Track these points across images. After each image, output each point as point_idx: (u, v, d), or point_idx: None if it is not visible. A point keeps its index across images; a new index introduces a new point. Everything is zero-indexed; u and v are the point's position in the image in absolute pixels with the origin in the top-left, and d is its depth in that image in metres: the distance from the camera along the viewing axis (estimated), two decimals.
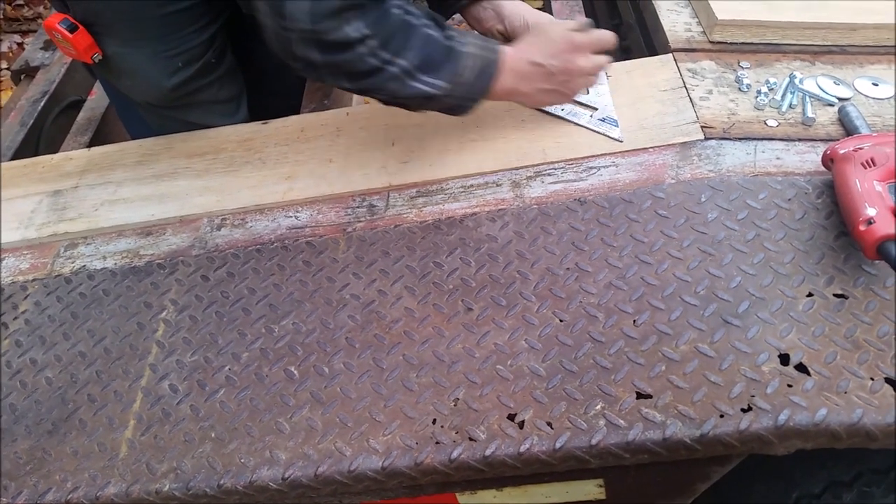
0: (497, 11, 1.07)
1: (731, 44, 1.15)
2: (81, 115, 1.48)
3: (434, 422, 0.78)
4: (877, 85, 1.08)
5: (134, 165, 1.19)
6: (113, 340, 0.96)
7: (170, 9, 1.05)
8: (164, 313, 0.97)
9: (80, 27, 1.05)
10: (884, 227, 0.78)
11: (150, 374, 0.91)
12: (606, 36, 1.00)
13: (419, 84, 0.88)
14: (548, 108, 1.08)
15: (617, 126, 1.04)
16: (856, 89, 1.07)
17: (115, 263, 1.06)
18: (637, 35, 1.40)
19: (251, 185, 1.10)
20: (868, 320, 0.79)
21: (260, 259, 0.99)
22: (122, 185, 1.16)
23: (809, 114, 1.02)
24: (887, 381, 0.74)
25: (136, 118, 1.29)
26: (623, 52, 1.49)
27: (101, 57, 1.10)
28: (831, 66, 1.12)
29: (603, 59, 1.00)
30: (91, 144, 1.42)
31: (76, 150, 1.30)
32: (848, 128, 1.00)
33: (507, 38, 1.06)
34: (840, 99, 1.06)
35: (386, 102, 0.96)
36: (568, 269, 0.89)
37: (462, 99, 0.94)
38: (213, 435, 0.83)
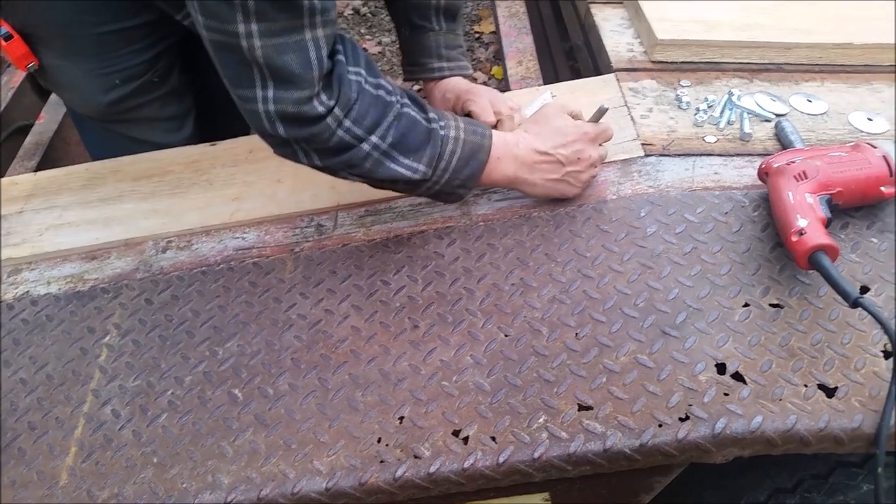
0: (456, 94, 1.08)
1: (671, 63, 1.18)
2: (29, 140, 1.46)
3: (379, 440, 0.78)
4: (811, 101, 1.12)
5: (80, 189, 1.18)
6: (55, 366, 0.94)
7: (108, 28, 1.05)
8: (108, 338, 0.95)
9: (16, 36, 1.04)
10: (814, 238, 0.80)
11: (92, 400, 0.89)
12: (609, 129, 0.97)
13: (396, 166, 0.85)
14: None
15: None
16: (791, 105, 1.11)
17: (59, 288, 1.04)
18: (585, 56, 1.43)
19: (198, 206, 1.09)
20: (802, 328, 0.81)
21: (205, 281, 0.99)
22: (68, 209, 1.15)
23: (747, 129, 1.05)
24: (820, 387, 0.76)
25: (88, 127, 1.28)
26: (572, 73, 1.53)
27: (36, 67, 1.09)
28: (768, 83, 1.15)
29: (604, 150, 0.96)
30: (38, 169, 1.40)
31: (22, 174, 1.28)
32: (783, 142, 1.03)
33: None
34: (776, 115, 1.09)
35: (372, 185, 0.93)
36: (513, 284, 0.90)
37: (449, 186, 0.89)
38: (154, 460, 0.82)
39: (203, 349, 0.91)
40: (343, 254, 0.98)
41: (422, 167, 0.86)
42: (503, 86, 1.39)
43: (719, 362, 0.78)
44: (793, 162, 0.91)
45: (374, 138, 0.82)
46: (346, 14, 3.03)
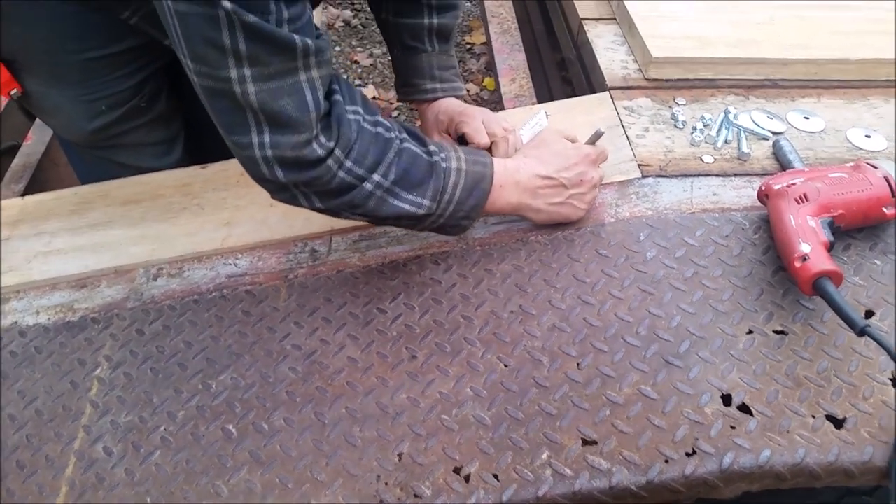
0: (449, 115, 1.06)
1: (666, 80, 1.17)
2: (16, 162, 1.43)
3: (378, 478, 0.76)
4: (808, 118, 1.11)
5: (69, 215, 1.16)
6: (45, 401, 0.91)
7: (92, 54, 1.03)
8: (99, 370, 0.93)
9: None
10: (818, 264, 0.79)
11: (83, 437, 0.87)
12: (606, 150, 0.96)
13: (401, 202, 0.83)
14: None
15: None
16: (789, 122, 1.10)
17: (49, 319, 1.02)
18: (578, 70, 1.42)
19: (189, 232, 1.07)
20: (808, 356, 0.80)
21: (197, 310, 0.97)
22: (57, 236, 1.12)
23: (744, 149, 1.04)
24: (828, 417, 0.75)
25: (75, 152, 1.26)
26: (565, 86, 1.51)
27: (20, 93, 1.07)
28: (765, 99, 1.14)
29: (602, 171, 0.96)
30: (27, 191, 1.38)
31: (9, 199, 1.26)
32: (782, 162, 1.02)
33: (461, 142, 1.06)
34: (774, 133, 1.08)
35: (375, 223, 0.91)
36: (512, 311, 0.89)
37: (454, 218, 0.87)
38: (148, 500, 0.79)
39: (196, 382, 0.89)
40: (338, 280, 0.96)
41: (426, 202, 0.84)
42: (497, 102, 1.37)
43: (725, 393, 0.77)
44: (793, 184, 0.89)
45: (376, 177, 0.81)
46: (336, 26, 3.02)
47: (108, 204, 1.16)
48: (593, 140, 0.94)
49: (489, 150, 1.05)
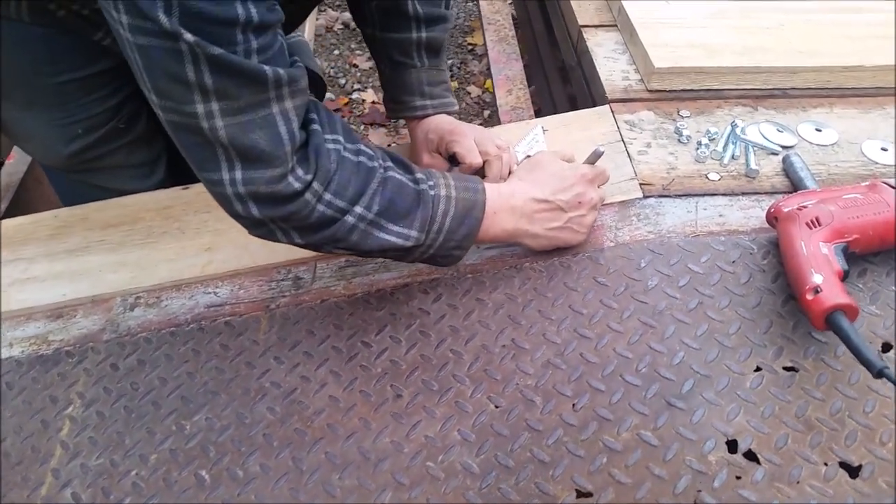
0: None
1: (670, 91, 1.11)
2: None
3: None
4: (820, 130, 1.05)
5: (47, 239, 1.11)
6: (14, 442, 0.87)
7: (64, 78, 0.98)
8: (71, 408, 0.89)
9: None
10: (832, 297, 0.73)
11: (51, 481, 0.82)
12: (606, 171, 0.91)
13: (386, 234, 0.78)
14: None
15: None
16: (800, 135, 1.04)
17: (23, 351, 0.97)
18: (579, 76, 1.36)
19: (169, 258, 1.03)
20: (820, 396, 0.74)
21: (174, 343, 0.92)
22: (34, 262, 1.08)
23: (753, 165, 0.98)
24: (842, 465, 0.69)
25: (54, 175, 1.22)
26: (567, 94, 1.46)
27: None
28: (774, 110, 1.08)
29: (603, 192, 0.90)
30: (8, 212, 1.34)
31: None
32: (793, 179, 0.96)
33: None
34: (784, 147, 1.02)
35: (362, 256, 0.87)
36: (504, 346, 0.83)
37: (444, 248, 0.82)
38: None
39: (169, 423, 0.84)
40: (322, 311, 0.91)
41: (413, 233, 0.79)
42: (493, 115, 1.31)
43: (730, 439, 0.71)
44: (804, 206, 0.84)
45: (358, 209, 0.76)
46: (335, 28, 2.97)
47: (88, 228, 1.11)
48: (592, 160, 0.88)
49: (482, 169, 1.00)
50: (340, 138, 0.76)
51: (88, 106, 1.02)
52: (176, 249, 1.04)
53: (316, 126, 0.74)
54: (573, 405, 0.77)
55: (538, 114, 1.27)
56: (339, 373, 0.84)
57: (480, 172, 1.01)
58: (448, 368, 0.82)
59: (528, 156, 1.05)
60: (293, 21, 1.10)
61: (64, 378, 0.92)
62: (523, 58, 1.44)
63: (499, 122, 1.19)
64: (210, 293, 0.98)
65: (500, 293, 0.88)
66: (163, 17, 0.60)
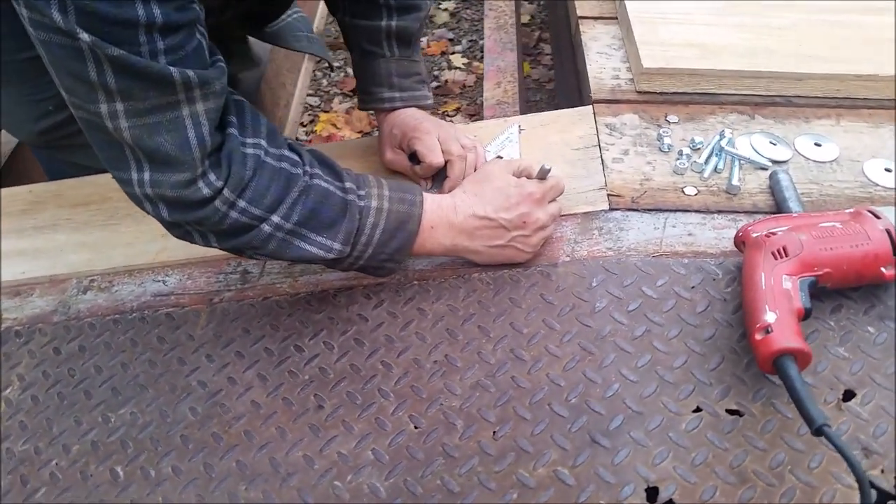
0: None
1: (660, 94, 1.04)
2: None
3: None
4: (819, 145, 0.96)
5: (19, 214, 1.11)
6: None
7: (30, 53, 0.96)
8: (9, 390, 0.88)
9: None
10: (781, 340, 0.66)
11: None
12: (560, 183, 0.85)
13: (307, 245, 0.75)
14: None
15: None
16: (796, 149, 0.96)
17: None
18: (572, 72, 1.29)
19: (126, 241, 1.01)
20: (762, 445, 0.68)
21: (115, 331, 0.91)
22: (3, 237, 1.08)
23: (734, 181, 0.90)
24: None
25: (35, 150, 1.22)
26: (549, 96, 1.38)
27: None
28: (773, 119, 1.00)
29: (556, 207, 0.84)
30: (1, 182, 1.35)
31: None
32: (777, 199, 0.88)
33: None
34: (775, 162, 0.94)
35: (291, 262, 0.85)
36: (436, 361, 0.79)
37: (375, 260, 0.79)
38: None
39: (97, 414, 0.83)
40: (262, 309, 0.89)
41: (337, 245, 0.75)
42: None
43: (651, 486, 0.66)
44: (773, 233, 0.76)
45: (275, 218, 0.72)
46: None
47: (60, 205, 1.11)
48: (541, 176, 0.82)
49: (444, 170, 0.95)
50: (262, 142, 0.73)
51: None
52: (135, 233, 1.02)
53: (233, 130, 0.70)
54: (494, 433, 0.72)
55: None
56: (266, 377, 0.82)
57: (446, 172, 0.96)
58: (375, 381, 0.79)
59: (499, 156, 0.99)
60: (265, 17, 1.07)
61: (9, 358, 0.92)
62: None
63: (513, 115, 1.12)
64: (159, 281, 0.96)
65: (443, 304, 0.84)
66: (57, 16, 0.58)
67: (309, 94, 2.46)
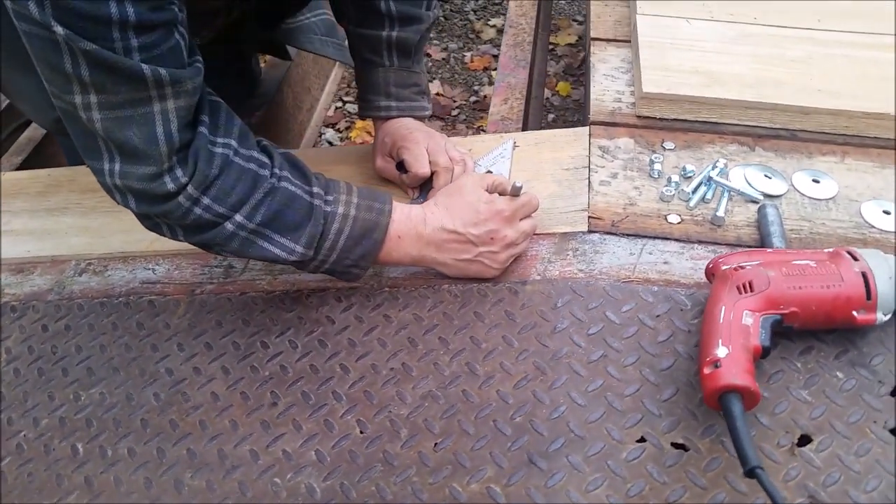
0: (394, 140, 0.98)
1: (660, 119, 1.02)
2: (24, 134, 1.47)
3: None
4: (818, 181, 0.93)
5: (35, 196, 1.17)
6: None
7: None
8: None
9: None
10: (728, 376, 0.65)
11: None
12: (533, 201, 0.85)
13: (270, 245, 0.76)
14: None
15: None
16: (792, 185, 0.93)
17: None
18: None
19: (125, 228, 1.05)
20: (703, 484, 0.66)
21: (100, 314, 0.94)
22: (17, 216, 1.13)
23: (720, 212, 0.88)
24: None
25: None
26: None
27: None
28: (774, 153, 0.97)
29: (529, 224, 0.84)
30: (24, 165, 1.41)
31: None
32: (761, 233, 0.86)
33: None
34: (767, 196, 0.91)
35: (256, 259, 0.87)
36: (392, 369, 0.79)
37: (339, 265, 0.80)
38: None
39: (69, 391, 0.86)
40: (238, 304, 0.91)
41: (299, 248, 0.77)
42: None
43: None
44: (742, 267, 0.74)
45: (238, 217, 0.74)
46: None
47: (72, 190, 1.16)
48: (514, 193, 0.82)
49: (430, 180, 0.96)
50: (233, 142, 0.75)
51: None
52: (133, 221, 1.05)
53: (203, 129, 0.73)
54: (435, 444, 0.72)
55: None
56: (230, 370, 0.83)
57: (432, 182, 0.96)
58: (331, 383, 0.79)
59: (490, 171, 1.00)
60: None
61: (1, 331, 0.96)
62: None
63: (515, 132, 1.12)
64: (149, 269, 0.99)
65: (409, 312, 0.84)
66: (34, 8, 0.61)
67: (349, 101, 2.50)
